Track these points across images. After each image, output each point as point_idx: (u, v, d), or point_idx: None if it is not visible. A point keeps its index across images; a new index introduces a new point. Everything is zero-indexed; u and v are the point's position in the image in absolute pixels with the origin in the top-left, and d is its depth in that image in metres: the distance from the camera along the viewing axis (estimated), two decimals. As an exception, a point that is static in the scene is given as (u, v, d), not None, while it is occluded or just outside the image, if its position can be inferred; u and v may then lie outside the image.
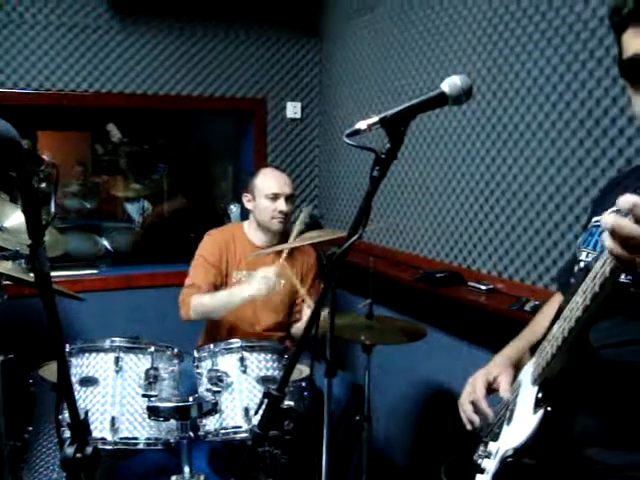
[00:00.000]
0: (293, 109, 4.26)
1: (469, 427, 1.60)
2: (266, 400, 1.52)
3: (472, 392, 1.60)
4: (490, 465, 1.48)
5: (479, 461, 1.54)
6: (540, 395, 1.36)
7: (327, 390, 2.22)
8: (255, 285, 2.83)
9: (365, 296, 2.70)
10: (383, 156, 1.37)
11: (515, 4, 2.62)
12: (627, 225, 0.95)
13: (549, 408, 1.31)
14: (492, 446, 1.52)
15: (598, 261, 1.11)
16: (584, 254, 1.47)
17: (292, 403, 2.41)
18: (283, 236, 3.15)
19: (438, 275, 2.87)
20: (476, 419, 1.57)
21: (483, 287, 2.71)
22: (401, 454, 3.38)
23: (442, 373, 3.06)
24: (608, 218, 0.97)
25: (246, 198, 3.18)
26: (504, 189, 2.70)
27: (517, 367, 1.61)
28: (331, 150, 4.15)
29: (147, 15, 3.87)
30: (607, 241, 0.99)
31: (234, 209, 4.26)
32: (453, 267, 2.99)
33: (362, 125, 1.39)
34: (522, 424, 1.38)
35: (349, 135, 1.39)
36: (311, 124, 4.33)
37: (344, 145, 3.89)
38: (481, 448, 1.59)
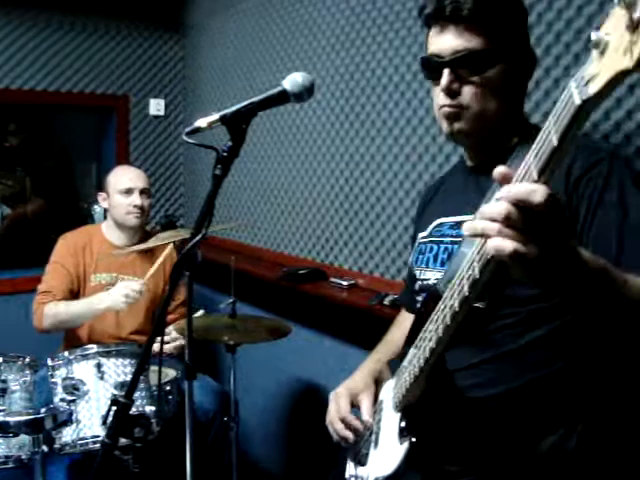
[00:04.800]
0: (156, 106, 4.15)
1: (343, 444, 1.60)
2: (114, 408, 1.47)
3: (338, 410, 1.60)
4: None
5: None
6: (403, 424, 1.36)
7: (187, 393, 2.17)
8: (115, 297, 2.73)
9: (228, 294, 2.66)
10: (225, 154, 1.35)
11: (371, 4, 2.66)
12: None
13: (413, 439, 1.31)
14: (361, 471, 1.52)
15: (448, 290, 1.12)
16: (418, 272, 1.49)
17: (153, 408, 2.34)
18: (143, 235, 3.07)
19: (301, 272, 2.87)
20: (350, 435, 1.57)
21: (345, 283, 2.74)
22: (272, 453, 3.37)
23: (308, 369, 3.07)
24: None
25: (101, 197, 3.08)
26: (362, 185, 2.74)
27: (377, 380, 1.63)
28: (195, 148, 4.02)
29: (4, 6, 3.65)
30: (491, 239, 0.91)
31: (98, 209, 4.09)
32: (316, 263, 3.00)
33: (202, 123, 1.36)
34: (389, 452, 1.38)
35: (189, 133, 1.36)
36: (175, 121, 4.24)
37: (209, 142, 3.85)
38: (351, 465, 1.58)
